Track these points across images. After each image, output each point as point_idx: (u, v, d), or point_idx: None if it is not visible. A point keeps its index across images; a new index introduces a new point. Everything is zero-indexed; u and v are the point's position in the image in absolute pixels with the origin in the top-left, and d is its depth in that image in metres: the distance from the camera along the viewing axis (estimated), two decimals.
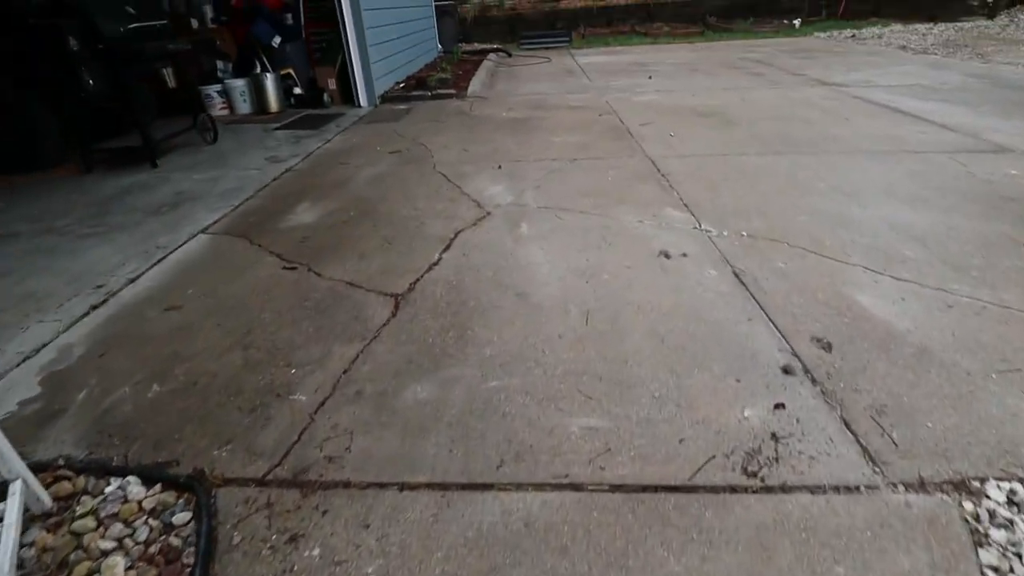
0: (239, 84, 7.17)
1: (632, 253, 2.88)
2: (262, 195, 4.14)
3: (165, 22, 5.14)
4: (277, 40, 7.24)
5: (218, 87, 7.21)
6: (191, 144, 5.70)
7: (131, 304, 2.70)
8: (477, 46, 13.68)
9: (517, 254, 2.94)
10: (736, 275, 2.60)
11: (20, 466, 1.51)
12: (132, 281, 2.92)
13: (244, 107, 7.28)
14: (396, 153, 5.00)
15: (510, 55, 11.82)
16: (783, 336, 2.15)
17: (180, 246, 3.32)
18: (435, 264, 2.89)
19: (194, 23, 7.37)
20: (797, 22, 14.55)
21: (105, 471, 1.72)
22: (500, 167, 4.43)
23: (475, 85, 8.02)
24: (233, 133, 6.25)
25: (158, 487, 1.67)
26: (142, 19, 4.91)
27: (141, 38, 4.76)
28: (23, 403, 2.06)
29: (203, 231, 3.53)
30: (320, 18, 7.38)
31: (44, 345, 2.40)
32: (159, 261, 3.14)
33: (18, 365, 2.28)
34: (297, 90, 7.42)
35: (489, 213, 3.52)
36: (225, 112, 7.32)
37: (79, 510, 1.59)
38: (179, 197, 4.19)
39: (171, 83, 5.71)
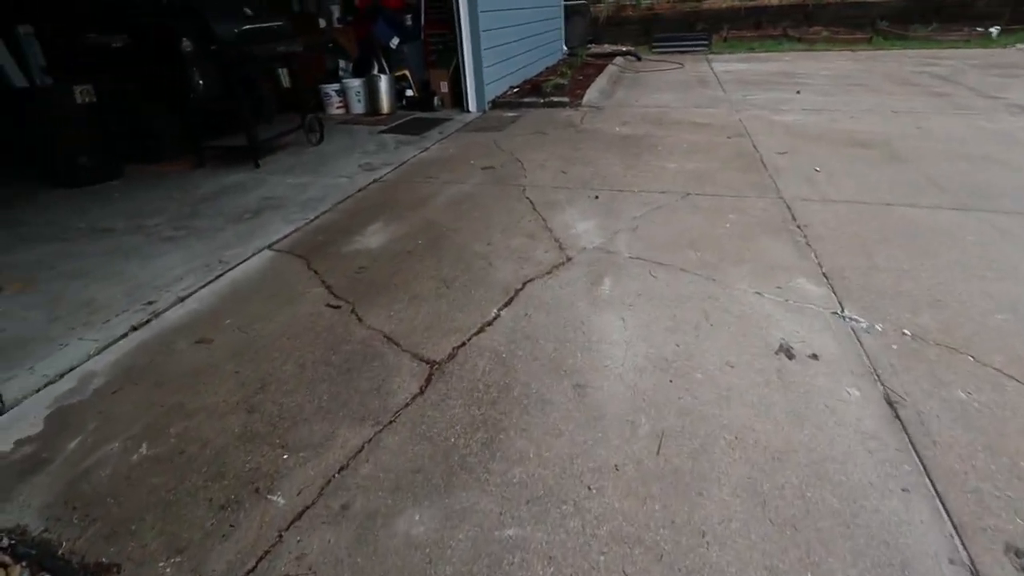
0: (355, 84, 7.21)
1: (740, 343, 2.20)
2: (341, 208, 3.94)
3: (282, 23, 5.15)
4: (395, 41, 7.17)
5: (336, 86, 7.31)
6: (299, 144, 5.73)
7: (168, 330, 2.53)
8: (608, 47, 13.00)
9: (589, 324, 2.38)
10: (890, 404, 1.85)
11: None
12: (181, 300, 2.78)
13: (358, 107, 7.31)
14: (488, 170, 4.61)
15: (639, 59, 11.03)
16: (958, 533, 1.41)
17: (242, 263, 3.16)
18: (489, 324, 2.42)
19: (322, 22, 7.53)
20: (995, 31, 12.14)
21: (41, 567, 1.46)
22: (597, 197, 3.86)
23: (592, 93, 7.44)
24: (341, 134, 6.24)
25: None
26: (259, 20, 4.94)
27: (255, 39, 4.79)
28: (18, 443, 1.91)
29: (269, 246, 3.36)
30: (440, 20, 7.20)
31: (71, 369, 2.28)
32: (216, 279, 2.99)
33: (37, 391, 2.16)
34: (409, 92, 7.32)
35: (570, 259, 2.98)
36: (341, 111, 7.42)
37: None
38: (264, 203, 4.11)
39: (285, 83, 5.79)
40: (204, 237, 3.55)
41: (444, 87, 7.27)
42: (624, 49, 11.84)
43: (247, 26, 4.74)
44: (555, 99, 7.13)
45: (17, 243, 3.61)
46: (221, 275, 3.03)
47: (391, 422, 1.89)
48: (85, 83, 4.58)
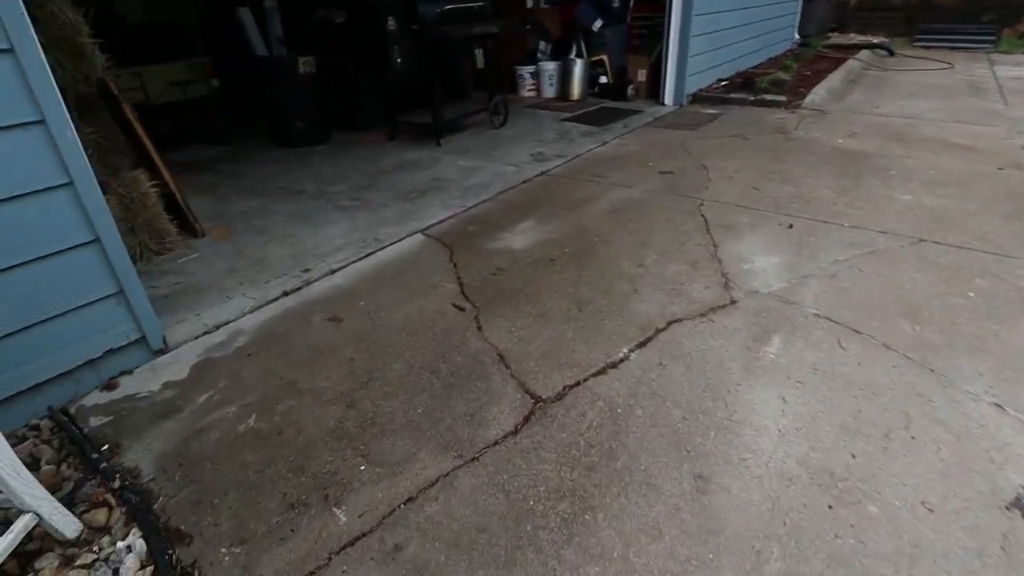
0: (550, 67, 7.08)
1: (952, 477, 1.58)
2: (500, 199, 3.84)
3: (483, 4, 5.17)
4: (598, 24, 6.86)
5: (531, 68, 7.27)
6: (483, 125, 5.80)
7: (310, 302, 2.65)
8: (854, 38, 11.12)
9: (736, 396, 1.92)
10: None
11: (36, 501, 1.41)
12: (331, 273, 2.91)
13: (549, 91, 7.20)
14: (665, 175, 4.13)
15: (892, 54, 9.20)
16: None
17: (393, 243, 3.22)
18: (613, 365, 2.09)
19: (529, 1, 7.50)
20: None
21: (134, 517, 1.56)
22: (790, 226, 3.20)
23: (819, 93, 6.34)
24: (524, 118, 6.19)
25: (150, 571, 1.43)
26: (460, 1, 5.01)
27: (454, 20, 4.87)
28: (165, 386, 2.12)
29: (423, 231, 3.38)
30: (648, 1, 6.70)
31: (226, 323, 2.50)
32: (366, 256, 3.08)
33: (196, 338, 2.40)
34: (603, 79, 6.98)
35: (734, 302, 2.48)
36: (532, 94, 7.38)
37: (80, 559, 1.44)
38: (432, 184, 4.19)
39: (479, 63, 5.87)
40: (371, 211, 3.72)
41: (641, 76, 6.80)
42: (876, 40, 9.98)
43: (449, 6, 4.83)
44: (768, 97, 6.23)
45: (233, 195, 4.16)
46: (372, 253, 3.11)
47: (474, 459, 1.70)
48: (307, 55, 5.10)
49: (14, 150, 1.71)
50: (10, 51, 1.65)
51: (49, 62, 2.73)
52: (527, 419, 1.85)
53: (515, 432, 1.80)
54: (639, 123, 5.75)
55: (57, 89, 1.79)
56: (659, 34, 6.32)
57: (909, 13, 11.21)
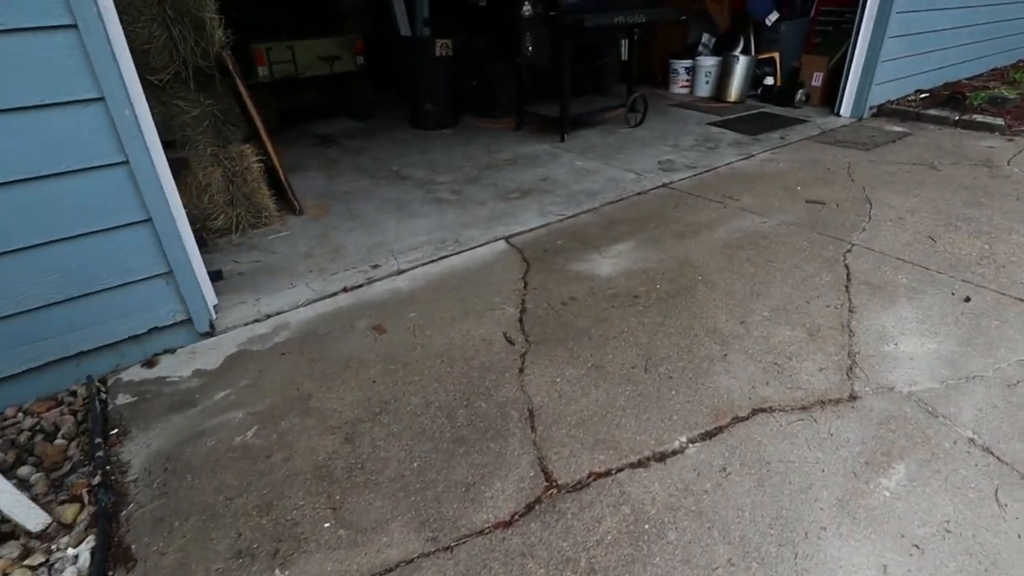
0: (708, 64, 6.33)
1: None
2: (603, 211, 3.43)
3: None
4: (773, 17, 5.96)
5: (687, 63, 6.56)
6: (618, 122, 5.33)
7: (363, 304, 2.53)
8: None
9: (815, 548, 1.41)
10: None
11: None
12: (397, 274, 2.77)
13: (704, 89, 6.46)
14: (813, 205, 3.41)
15: None
16: None
17: (471, 249, 3.00)
18: (661, 457, 1.66)
19: None
20: None
21: (97, 522, 1.52)
22: (967, 299, 2.42)
23: None
24: (665, 118, 5.59)
25: None
26: None
27: (598, 8, 4.45)
28: (194, 374, 2.11)
29: (507, 238, 3.11)
30: None
31: (278, 313, 2.46)
32: (439, 259, 2.89)
33: (245, 325, 2.38)
34: (769, 80, 6.08)
35: (854, 397, 1.88)
36: (684, 91, 6.69)
37: (32, 557, 1.42)
38: (538, 184, 3.89)
39: (624, 55, 5.38)
40: (465, 208, 3.53)
41: (817, 79, 5.80)
42: None
43: None
44: (979, 118, 4.97)
45: (347, 172, 4.23)
46: (445, 257, 2.92)
47: (447, 548, 1.42)
48: (445, 38, 5.01)
49: (71, 126, 1.73)
50: (72, 27, 1.64)
51: (174, 35, 2.89)
52: (530, 508, 1.52)
53: (509, 523, 1.48)
54: (800, 136, 4.89)
55: (122, 66, 1.78)
56: (847, 32, 5.31)
57: None
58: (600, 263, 2.81)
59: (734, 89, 6.09)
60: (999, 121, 4.88)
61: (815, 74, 5.81)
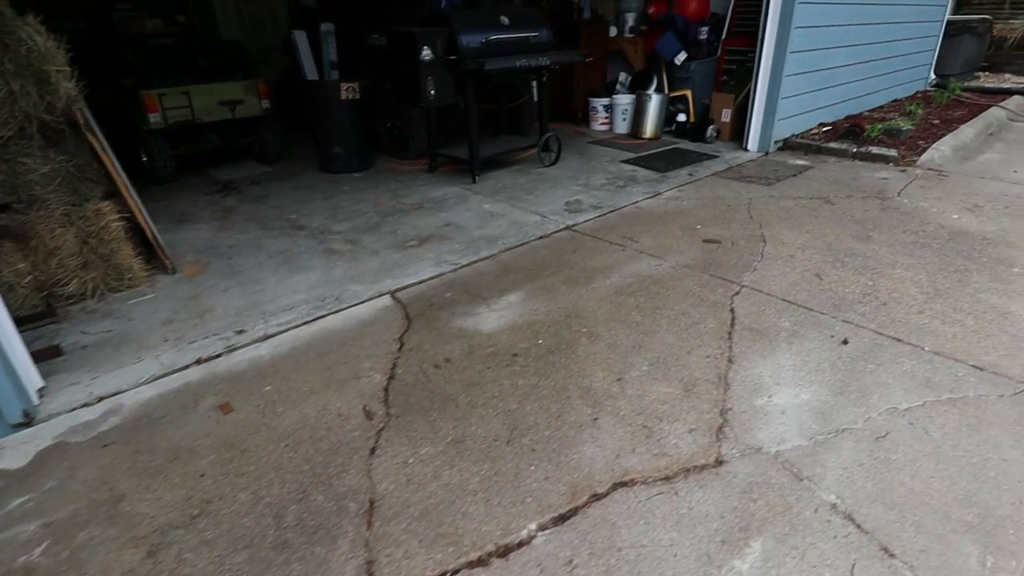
0: (623, 102, 6.45)
1: None
2: (502, 258, 3.33)
3: (535, 34, 4.69)
4: (681, 57, 6.14)
5: (605, 101, 6.67)
6: (532, 162, 5.31)
7: (215, 377, 2.30)
8: (1009, 80, 9.42)
9: None
10: None
11: None
12: (263, 339, 2.55)
13: (622, 126, 6.56)
14: (709, 245, 3.40)
15: None
16: None
17: (351, 307, 2.82)
18: (504, 552, 1.50)
19: (613, 30, 6.92)
20: None
21: None
22: (846, 341, 2.40)
23: (942, 148, 5.17)
24: (580, 157, 5.61)
25: None
26: (515, 30, 4.58)
27: (501, 51, 4.44)
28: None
29: (394, 292, 2.95)
30: (745, 34, 5.88)
31: (114, 394, 2.20)
32: (313, 320, 2.70)
33: (71, 411, 2.12)
34: (681, 117, 6.23)
35: (719, 462, 1.78)
36: (605, 127, 6.78)
37: None
38: (440, 230, 3.77)
39: (535, 96, 5.40)
40: (355, 260, 3.36)
41: (725, 116, 5.97)
42: None
43: (494, 37, 4.41)
44: (875, 150, 5.18)
45: (238, 224, 4.00)
46: (322, 317, 2.73)
47: None
48: (351, 81, 4.91)
49: None
50: None
51: (15, 89, 2.65)
52: None
53: None
54: (708, 171, 4.97)
55: None
56: (750, 71, 5.50)
57: None
58: (486, 317, 2.68)
59: (649, 126, 6.21)
60: (893, 152, 5.10)
61: (723, 111, 5.99)
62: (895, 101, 7.59)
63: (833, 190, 4.36)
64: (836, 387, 2.12)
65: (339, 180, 4.99)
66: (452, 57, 4.30)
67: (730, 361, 2.29)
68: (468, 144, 4.67)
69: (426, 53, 4.17)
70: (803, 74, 5.46)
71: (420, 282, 3.05)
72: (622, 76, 6.94)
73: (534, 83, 5.26)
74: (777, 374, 2.20)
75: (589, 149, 5.92)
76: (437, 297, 2.89)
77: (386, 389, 2.18)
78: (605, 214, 4.01)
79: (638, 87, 6.60)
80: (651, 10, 6.41)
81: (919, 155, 5.07)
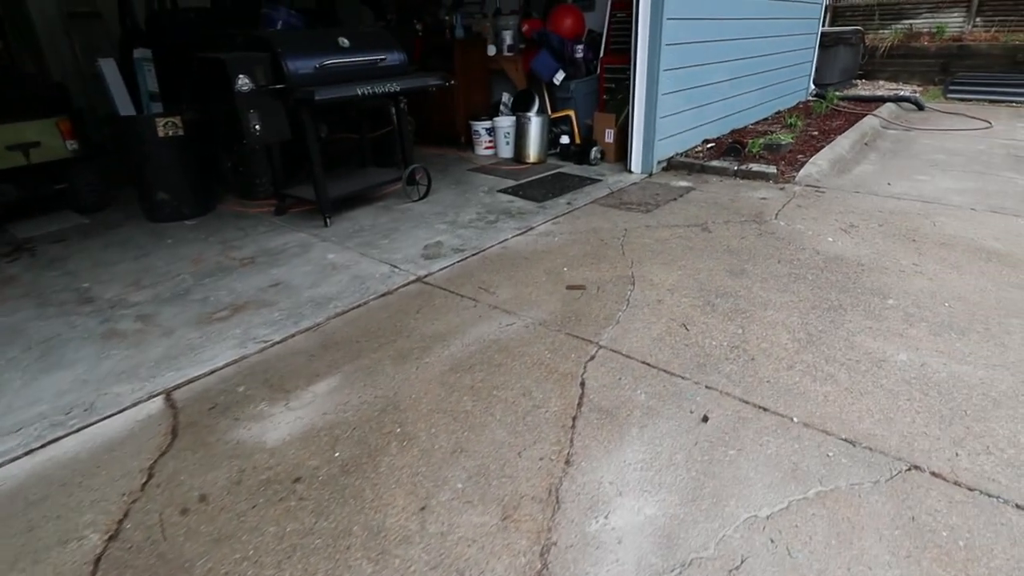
0: (504, 125, 6.07)
1: None
2: (327, 329, 2.77)
3: (383, 57, 4.19)
4: (559, 76, 5.84)
5: (487, 124, 6.27)
6: (401, 196, 4.78)
7: None
8: (883, 87, 9.91)
9: None
10: None
11: None
12: None
13: (506, 151, 6.17)
14: (573, 293, 2.99)
15: (921, 108, 7.88)
16: None
17: (107, 417, 2.17)
18: None
19: (492, 49, 6.56)
20: None
21: None
22: (705, 419, 2.01)
23: (819, 162, 5.11)
24: (456, 187, 5.15)
25: None
26: (357, 53, 4.06)
27: (340, 77, 3.90)
28: None
29: (171, 391, 2.33)
30: (622, 51, 5.65)
31: None
32: (45, 446, 2.03)
33: None
34: (564, 139, 5.92)
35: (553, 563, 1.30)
36: (490, 152, 6.37)
37: None
38: (263, 294, 3.16)
39: (397, 124, 4.90)
40: (140, 343, 2.69)
41: (609, 136, 5.71)
42: (904, 92, 8.69)
43: (331, 62, 3.87)
44: (755, 167, 5.04)
45: (15, 297, 3.22)
46: (54, 441, 2.06)
47: None
48: (171, 115, 4.21)
49: None
50: None
51: None
52: None
53: None
54: (588, 199, 4.63)
55: None
56: (628, 89, 5.25)
57: (946, 61, 9.86)
58: (278, 421, 2.11)
59: (532, 150, 5.85)
60: (772, 169, 4.97)
61: (606, 131, 5.72)
62: (778, 113, 7.68)
63: (712, 215, 4.11)
64: (688, 491, 1.71)
65: (165, 231, 4.26)
66: (280, 86, 3.71)
67: (567, 463, 1.84)
68: (314, 183, 4.09)
69: (243, 83, 3.57)
70: (681, 91, 5.28)
71: (211, 372, 2.44)
72: (505, 97, 6.58)
73: (394, 108, 4.76)
74: (621, 477, 1.77)
75: (467, 177, 5.48)
76: (226, 394, 2.29)
77: (98, 560, 1.57)
78: (467, 258, 3.54)
79: (520, 109, 6.25)
80: (524, 28, 6.09)
81: (798, 170, 4.97)
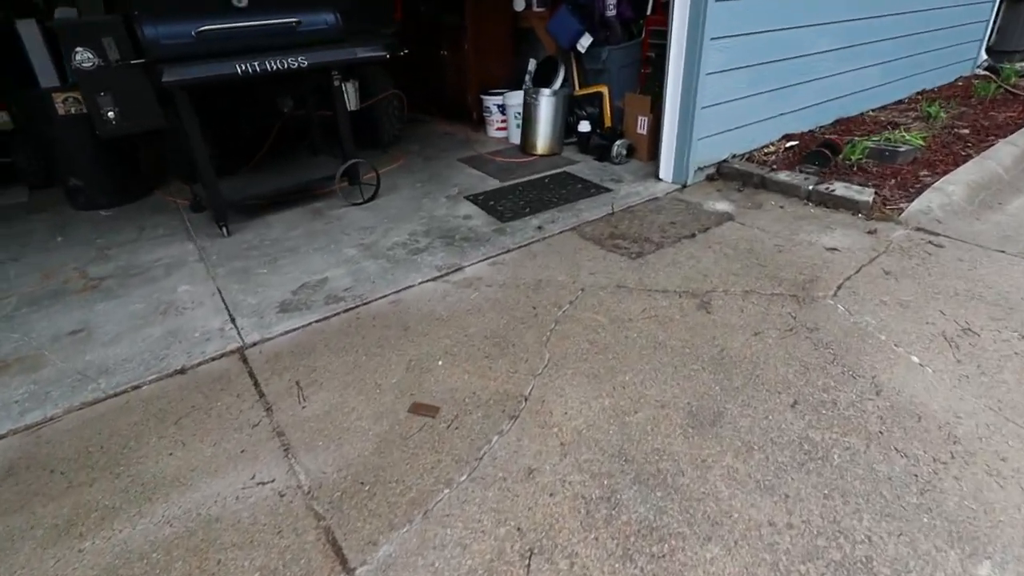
0: (514, 103, 4.79)
1: None
2: (41, 435, 1.91)
3: (299, 20, 3.10)
4: (584, 42, 4.41)
5: (498, 100, 5.02)
6: (352, 194, 3.79)
7: None
8: None
9: None
10: None
11: None
12: None
13: (516, 135, 4.90)
14: (415, 420, 1.86)
15: None
16: None
17: None
18: None
19: (519, 3, 5.18)
20: None
21: None
22: None
23: (950, 187, 3.32)
24: (421, 185, 4.05)
25: None
26: (265, 14, 3.04)
27: (231, 49, 2.92)
28: None
29: None
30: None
31: None
32: None
33: None
34: (583, 126, 4.52)
35: None
36: (502, 134, 5.15)
37: None
38: (47, 348, 2.37)
39: (351, 103, 3.85)
40: None
41: (642, 126, 4.25)
42: None
43: (213, 26, 2.88)
44: (841, 188, 3.39)
45: None
46: None
47: None
48: (71, 90, 3.50)
49: None
50: None
51: None
52: None
53: None
54: (573, 221, 3.34)
55: None
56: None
57: None
58: None
59: (540, 138, 4.54)
60: (866, 195, 3.30)
61: (639, 119, 4.25)
62: (921, 93, 5.58)
63: (731, 275, 2.67)
64: None
65: (74, 223, 3.65)
66: (139, 60, 2.81)
67: None
68: (203, 183, 3.21)
69: (83, 57, 2.70)
70: (742, 69, 3.67)
71: None
72: (531, 64, 5.23)
73: (346, 85, 3.70)
74: None
75: (448, 172, 4.34)
76: None
77: None
78: (334, 316, 2.51)
79: (541, 81, 4.91)
80: None
81: (911, 199, 3.27)
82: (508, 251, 3.03)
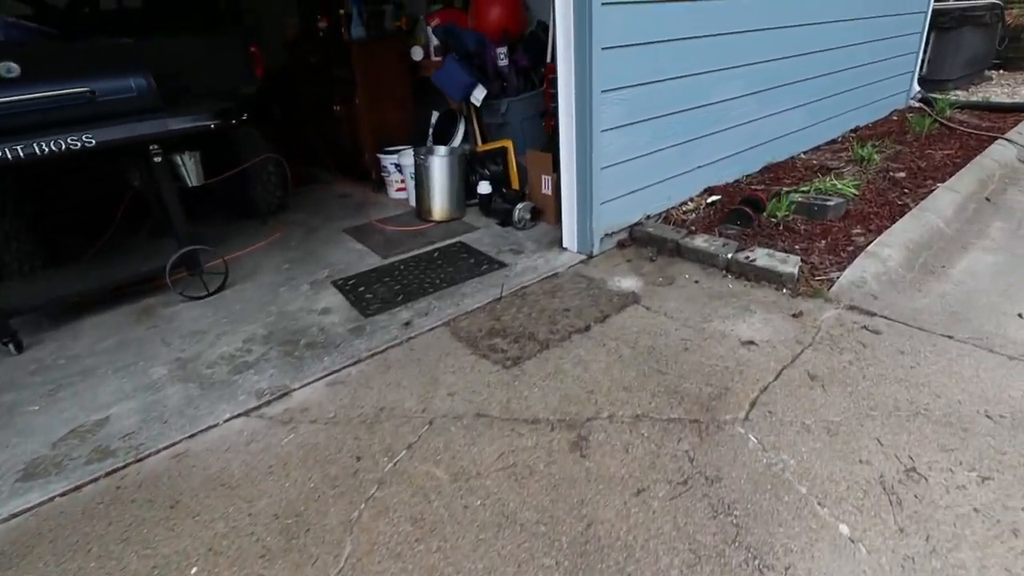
0: (409, 163, 4.25)
1: None
2: None
3: (90, 89, 2.52)
4: (479, 94, 3.93)
5: (394, 158, 4.49)
6: (194, 285, 3.16)
7: None
8: None
9: None
10: None
11: None
12: None
13: (415, 197, 4.36)
14: None
15: None
16: None
17: None
18: None
19: (417, 52, 4.70)
20: None
21: None
22: None
23: (886, 250, 2.86)
24: (284, 270, 3.44)
25: None
26: (44, 84, 2.44)
27: (13, 124, 2.31)
28: None
29: None
30: None
31: None
32: None
33: None
34: (483, 187, 4.00)
35: None
36: (402, 195, 4.60)
37: None
38: None
39: (191, 179, 3.26)
40: None
41: (547, 186, 3.74)
42: None
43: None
44: (763, 258, 2.89)
45: None
46: None
47: None
48: None
49: None
50: None
51: None
52: None
53: None
54: (451, 312, 2.76)
55: None
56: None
57: None
58: None
59: (436, 203, 3.99)
60: (789, 266, 2.80)
61: (543, 178, 3.75)
62: (855, 130, 5.26)
63: (623, 387, 2.10)
64: None
65: None
66: None
67: None
68: None
69: None
70: (644, 122, 3.20)
71: None
72: (434, 117, 4.74)
73: (183, 157, 3.11)
74: None
75: (323, 247, 3.75)
76: None
77: None
78: (93, 480, 1.87)
79: (439, 137, 4.41)
80: (433, 22, 4.19)
81: (841, 268, 2.78)
82: (358, 361, 2.43)
